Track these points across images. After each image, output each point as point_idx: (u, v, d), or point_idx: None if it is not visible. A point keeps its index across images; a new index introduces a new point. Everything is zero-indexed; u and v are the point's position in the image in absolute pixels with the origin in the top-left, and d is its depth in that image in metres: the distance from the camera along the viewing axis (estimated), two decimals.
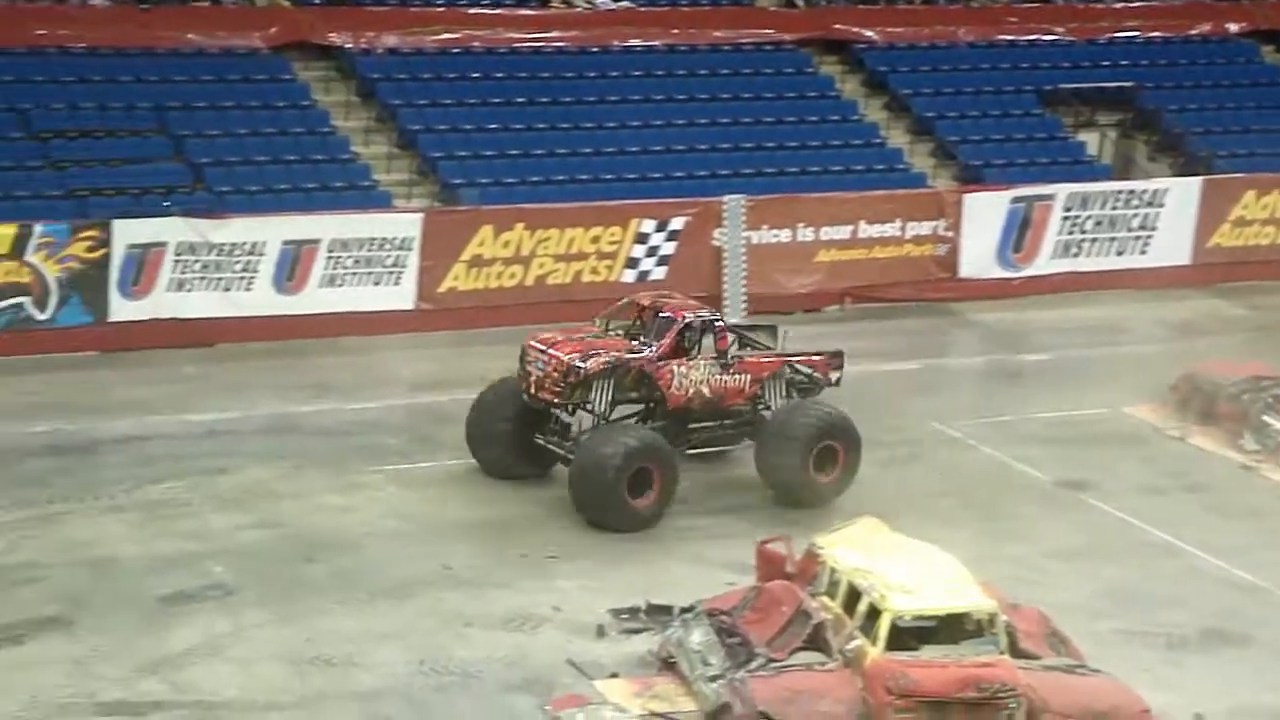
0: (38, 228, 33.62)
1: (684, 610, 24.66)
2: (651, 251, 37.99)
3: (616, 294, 37.42)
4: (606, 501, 27.81)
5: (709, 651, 23.51)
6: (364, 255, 35.93)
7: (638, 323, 29.87)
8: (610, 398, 28.78)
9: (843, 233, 39.56)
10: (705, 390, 29.04)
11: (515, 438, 29.32)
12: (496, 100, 39.53)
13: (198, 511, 28.04)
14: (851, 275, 39.72)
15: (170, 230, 34.47)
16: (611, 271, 37.85)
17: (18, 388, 32.19)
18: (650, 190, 38.76)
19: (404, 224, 36.37)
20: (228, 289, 35.04)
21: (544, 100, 39.89)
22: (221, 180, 36.05)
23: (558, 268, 37.47)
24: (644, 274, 37.86)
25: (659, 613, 25.24)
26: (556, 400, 28.75)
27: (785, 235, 39.16)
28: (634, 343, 29.27)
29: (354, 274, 35.93)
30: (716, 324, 29.43)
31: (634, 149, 39.70)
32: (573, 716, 22.93)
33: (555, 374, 28.54)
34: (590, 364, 28.50)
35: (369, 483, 29.52)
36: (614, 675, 23.99)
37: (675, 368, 28.86)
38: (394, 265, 36.19)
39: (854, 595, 23.21)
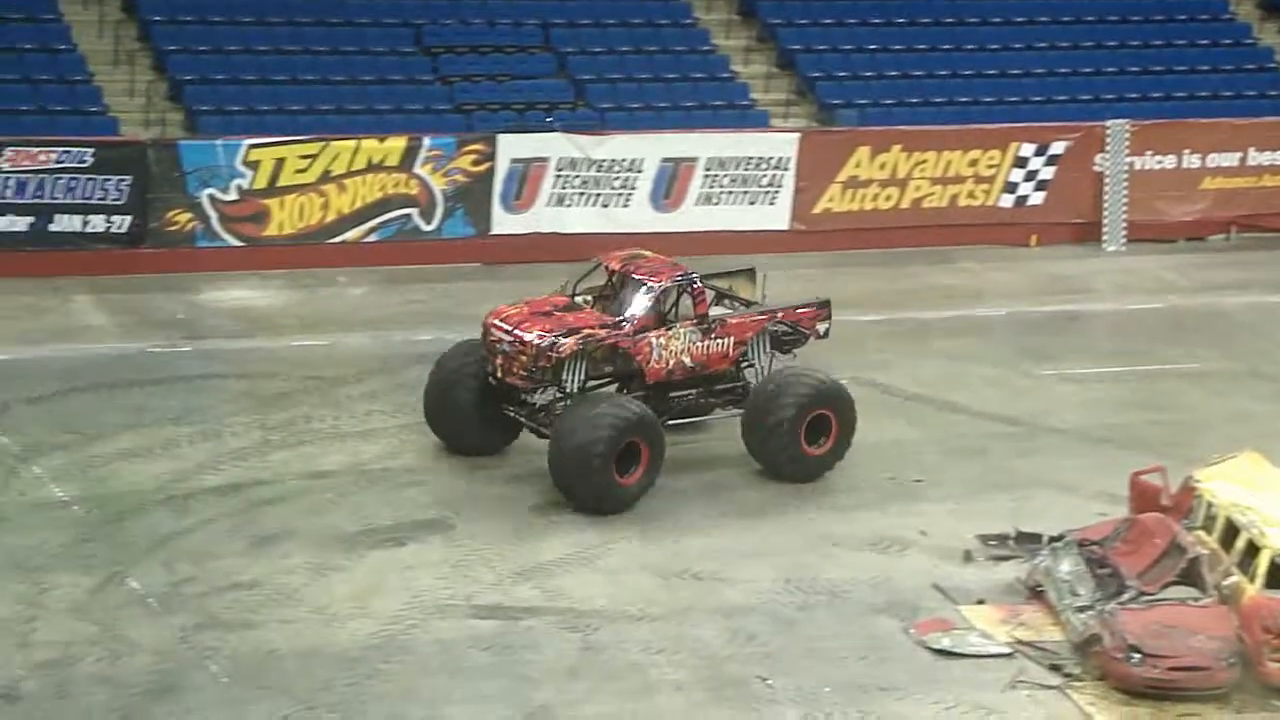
0: (426, 141, 34.44)
1: (1053, 539, 24.33)
2: (1030, 176, 37.33)
3: (993, 219, 37.08)
4: (593, 484, 25.21)
5: (1078, 581, 23.19)
6: (740, 174, 36.01)
7: (609, 286, 26.92)
8: (583, 377, 26.14)
9: (1230, 160, 38.38)
10: (686, 360, 26.46)
11: (479, 408, 26.53)
12: (877, 20, 39.19)
13: None
14: (1239, 203, 38.55)
15: (552, 146, 35.00)
16: (989, 196, 37.30)
17: (403, 296, 33.07)
18: (1031, 114, 38.06)
19: (781, 144, 36.33)
20: (606, 205, 35.45)
21: (925, 20, 39.41)
22: (603, 97, 36.43)
23: (934, 191, 37.08)
24: (1021, 199, 37.27)
25: (1028, 540, 24.96)
26: (528, 384, 26.06)
27: (1170, 162, 38.14)
28: (605, 315, 26.42)
29: (730, 193, 36.05)
30: (694, 285, 26.66)
31: (1015, 71, 39.01)
32: (938, 640, 22.83)
33: (524, 357, 25.76)
34: (563, 346, 25.73)
35: None
36: (980, 601, 23.81)
37: (653, 340, 26.13)
38: (769, 185, 36.20)
39: (1232, 530, 22.66)
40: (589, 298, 26.87)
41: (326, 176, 33.82)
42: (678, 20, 38.44)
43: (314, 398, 28.73)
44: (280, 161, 33.54)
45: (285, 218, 33.77)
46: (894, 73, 38.37)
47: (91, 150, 32.48)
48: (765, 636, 22.93)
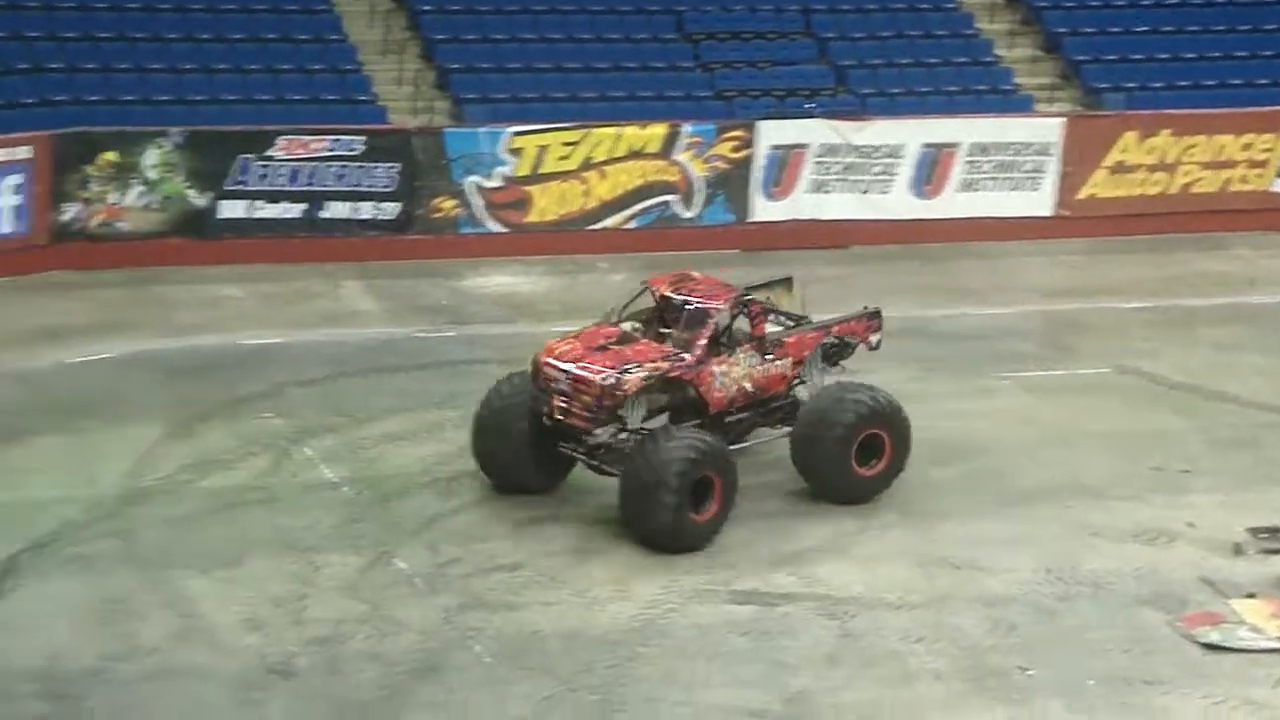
0: (686, 127, 34.61)
1: None
2: None
3: (1267, 204, 36.28)
4: (668, 523, 23.75)
5: None
6: (1003, 160, 35.67)
7: (658, 310, 25.37)
8: (644, 411, 24.68)
9: None
10: (748, 385, 25.14)
11: (532, 447, 24.88)
12: (1146, 1, 38.52)
13: None
14: None
15: (812, 132, 34.96)
16: (1262, 180, 36.51)
17: None
18: None
19: (1045, 129, 35.92)
20: (865, 191, 35.34)
21: (1196, 1, 38.67)
22: (864, 82, 36.30)
23: (1204, 175, 36.40)
24: None
25: None
26: (590, 424, 24.35)
27: None
28: (663, 345, 24.86)
29: (992, 179, 35.72)
30: (751, 306, 25.18)
31: None
32: (1206, 634, 22.43)
33: (586, 397, 24.23)
34: (627, 383, 24.23)
35: (999, 388, 29.41)
36: (1251, 595, 23.34)
37: (715, 369, 24.74)
38: (1033, 171, 35.81)
39: None
40: (638, 324, 25.34)
41: (588, 163, 34.15)
42: (940, 4, 38.16)
43: None
44: (543, 149, 33.94)
45: (547, 204, 34.17)
46: (1164, 55, 37.72)
47: (362, 138, 33.15)
48: (1026, 627, 22.71)
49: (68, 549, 23.29)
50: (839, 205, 35.18)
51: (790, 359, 25.60)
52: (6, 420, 26.67)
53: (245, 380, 28.38)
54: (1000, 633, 22.54)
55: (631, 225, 34.60)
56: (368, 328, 30.95)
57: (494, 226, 34.05)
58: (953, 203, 35.56)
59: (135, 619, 21.82)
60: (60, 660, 20.92)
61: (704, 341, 24.70)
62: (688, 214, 34.78)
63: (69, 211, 32.14)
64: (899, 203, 35.37)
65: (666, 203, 34.64)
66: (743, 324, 25.34)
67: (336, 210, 33.28)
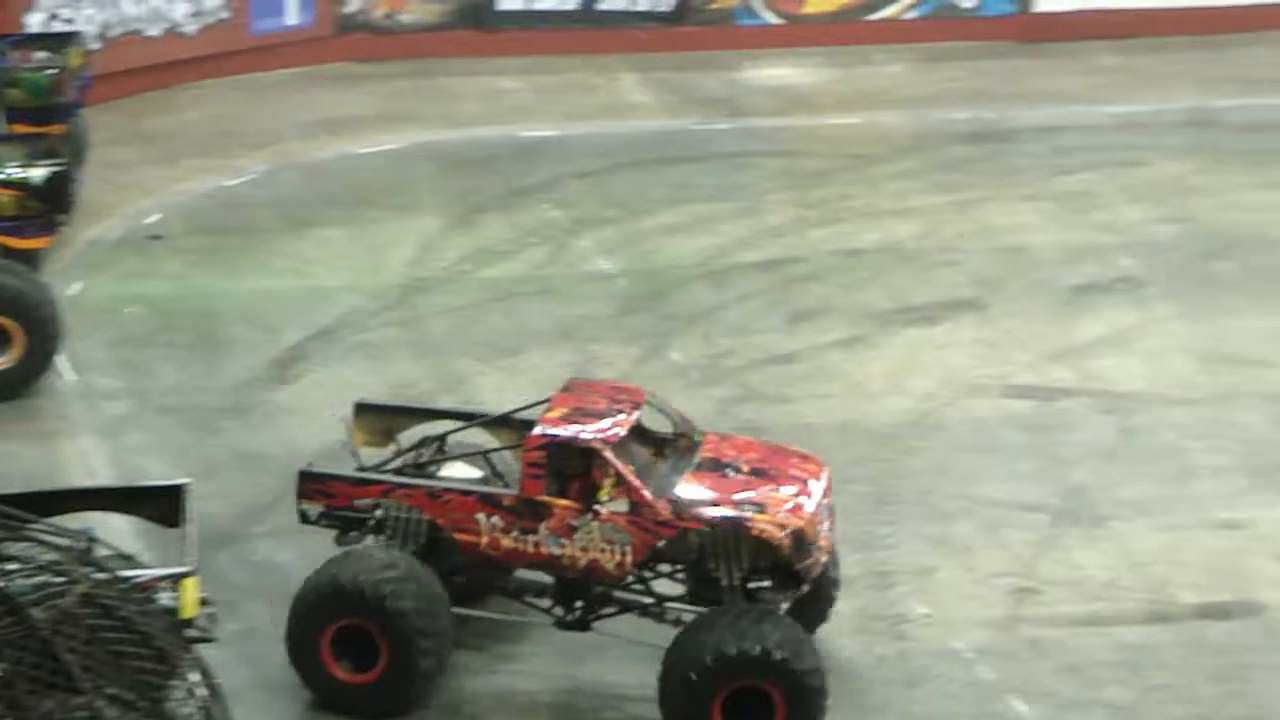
0: None
1: None
2: None
3: None
4: None
5: None
6: None
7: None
8: None
9: None
10: None
11: None
12: None
13: (1110, 203, 27.98)
14: None
15: None
16: None
17: (940, 74, 32.80)
18: None
19: None
20: None
21: None
22: None
23: None
24: None
25: None
26: None
27: None
28: None
29: None
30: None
31: None
32: None
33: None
34: None
35: None
36: None
37: None
38: None
39: None
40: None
41: None
42: None
43: (850, 176, 28.85)
44: None
45: None
46: None
47: None
48: None
49: (352, 336, 23.90)
50: None
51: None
52: (294, 210, 27.31)
53: (523, 172, 28.67)
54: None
55: (910, 15, 34.07)
56: (644, 120, 31.01)
57: (771, 18, 33.76)
58: None
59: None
60: None
61: None
62: (968, 4, 34.14)
63: (353, 4, 32.57)
64: None
65: None
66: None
67: (614, 2, 33.24)
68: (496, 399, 21.57)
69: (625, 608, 17.58)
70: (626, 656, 17.54)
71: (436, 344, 23.75)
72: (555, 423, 17.30)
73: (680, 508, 16.96)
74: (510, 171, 28.70)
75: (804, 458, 17.99)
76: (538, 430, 17.24)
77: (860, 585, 19.03)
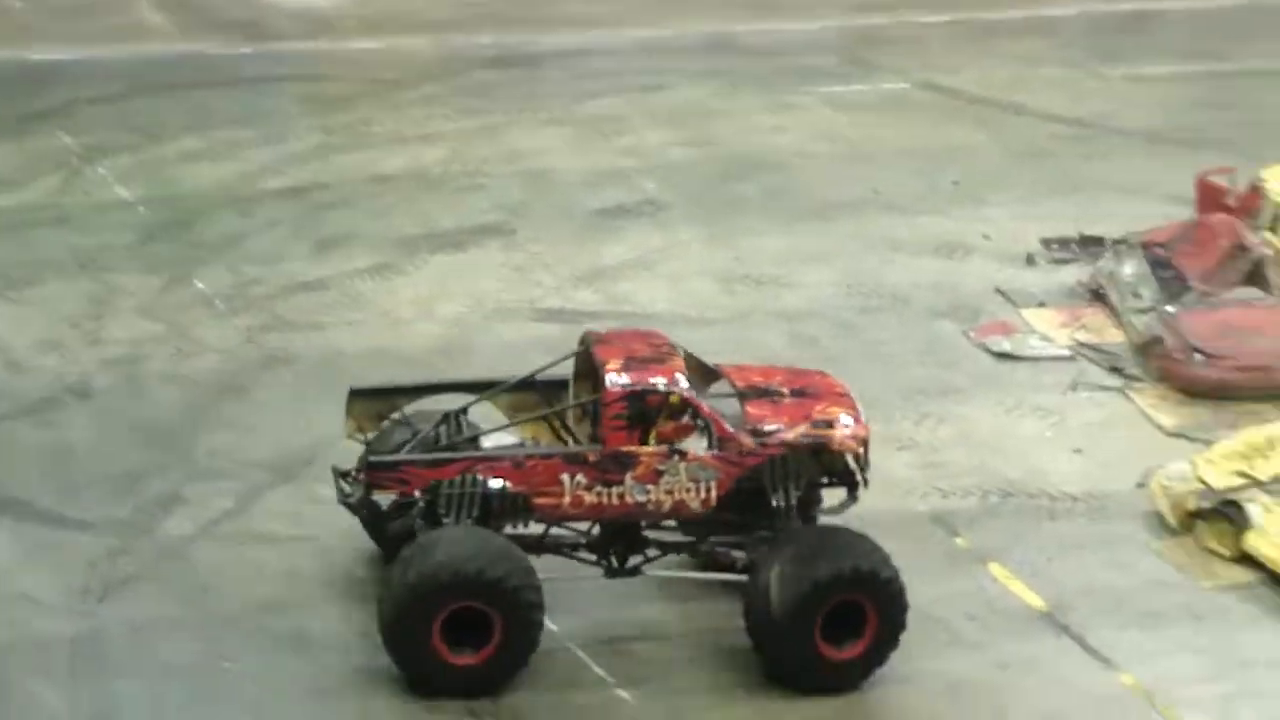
0: None
1: (1117, 241, 24.23)
2: None
3: None
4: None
5: (1141, 284, 23.13)
6: None
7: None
8: None
9: None
10: None
11: None
12: None
13: (633, 128, 28.39)
14: None
15: None
16: None
17: None
18: None
19: None
20: None
21: None
22: None
23: None
24: None
25: (1091, 243, 24.86)
26: None
27: None
28: None
29: None
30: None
31: None
32: (999, 344, 22.89)
33: None
34: None
35: (801, 104, 29.44)
36: (1041, 304, 23.81)
37: None
38: None
39: None
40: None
41: None
42: None
43: (374, 101, 28.67)
44: None
45: None
46: None
47: None
48: (827, 340, 22.99)
49: None
50: None
51: None
52: None
53: (31, 96, 27.69)
54: (801, 345, 22.79)
55: None
56: (161, 43, 30.22)
57: None
58: None
59: None
60: None
61: None
62: None
63: None
64: None
65: None
66: None
67: None
68: (12, 332, 20.93)
69: (669, 550, 17.79)
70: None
71: None
72: (622, 373, 17.21)
73: (763, 436, 17.24)
74: (18, 96, 27.67)
75: (822, 375, 18.65)
76: (613, 383, 17.10)
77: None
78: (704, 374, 18.19)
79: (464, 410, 18.14)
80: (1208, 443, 20.44)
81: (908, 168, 27.27)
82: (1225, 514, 19.14)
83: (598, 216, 25.66)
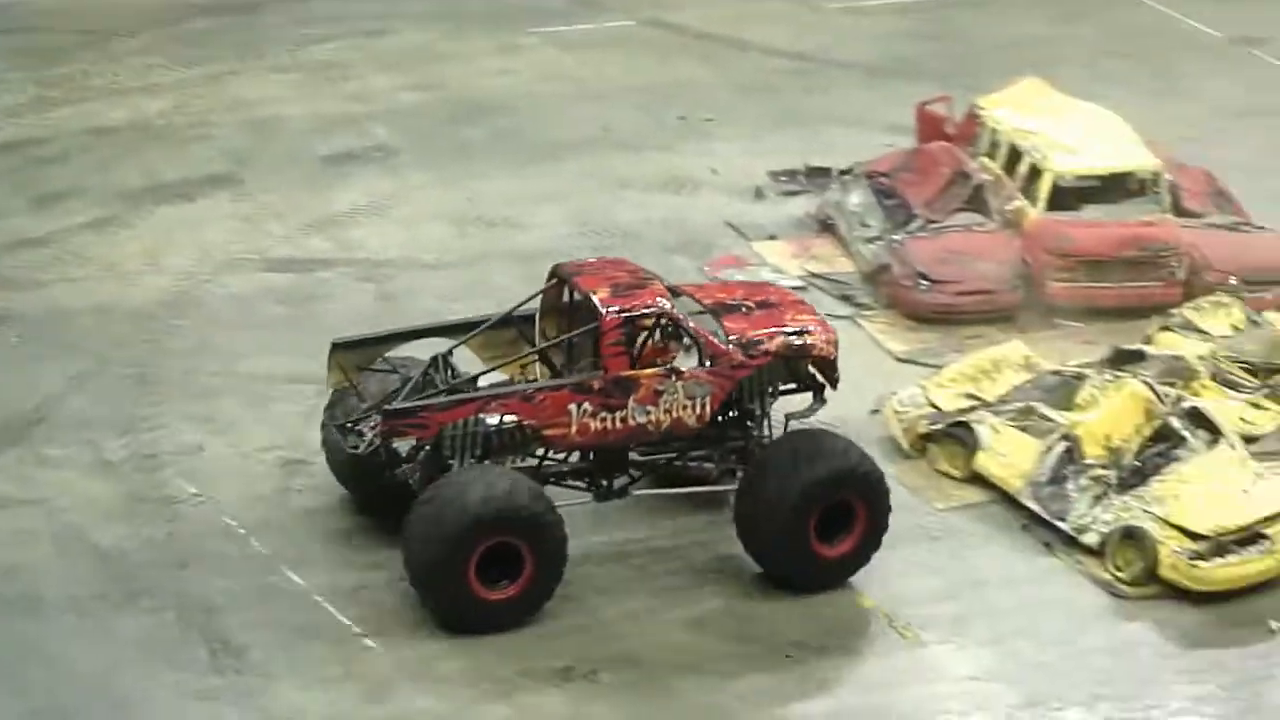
0: None
1: (843, 172, 24.59)
2: None
3: None
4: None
5: (867, 213, 23.50)
6: None
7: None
8: None
9: None
10: None
11: None
12: None
13: (359, 73, 28.13)
14: None
15: None
16: None
17: None
18: None
19: None
20: None
21: None
22: None
23: None
24: None
25: (817, 175, 25.19)
26: None
27: None
28: None
29: None
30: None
31: None
32: (731, 277, 23.09)
33: None
34: None
35: (528, 44, 29.39)
36: (772, 237, 24.07)
37: None
38: None
39: (1015, 156, 23.02)
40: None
41: None
42: None
43: (91, 52, 28.06)
44: None
45: None
46: None
47: None
48: None
49: None
50: None
51: None
52: None
53: None
54: (537, 285, 22.47)
55: None
56: None
57: None
58: None
59: None
60: None
61: None
62: None
63: None
64: None
65: None
66: None
67: None
68: None
69: (653, 470, 18.28)
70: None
71: None
72: (614, 301, 17.54)
73: (748, 348, 17.67)
74: None
75: (774, 286, 19.58)
76: (607, 310, 17.39)
77: (126, 469, 18.79)
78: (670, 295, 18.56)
79: (449, 353, 18.27)
80: (937, 367, 20.88)
81: (635, 105, 27.36)
82: (956, 436, 19.58)
83: (327, 163, 25.40)
